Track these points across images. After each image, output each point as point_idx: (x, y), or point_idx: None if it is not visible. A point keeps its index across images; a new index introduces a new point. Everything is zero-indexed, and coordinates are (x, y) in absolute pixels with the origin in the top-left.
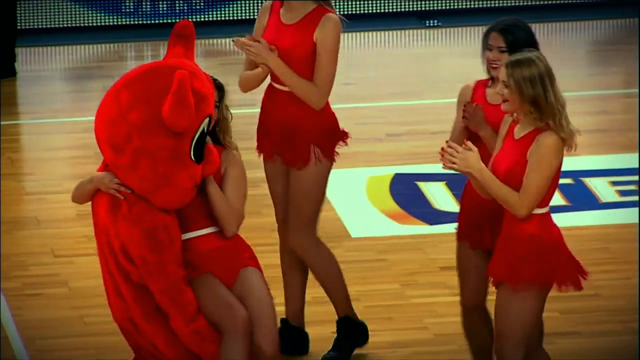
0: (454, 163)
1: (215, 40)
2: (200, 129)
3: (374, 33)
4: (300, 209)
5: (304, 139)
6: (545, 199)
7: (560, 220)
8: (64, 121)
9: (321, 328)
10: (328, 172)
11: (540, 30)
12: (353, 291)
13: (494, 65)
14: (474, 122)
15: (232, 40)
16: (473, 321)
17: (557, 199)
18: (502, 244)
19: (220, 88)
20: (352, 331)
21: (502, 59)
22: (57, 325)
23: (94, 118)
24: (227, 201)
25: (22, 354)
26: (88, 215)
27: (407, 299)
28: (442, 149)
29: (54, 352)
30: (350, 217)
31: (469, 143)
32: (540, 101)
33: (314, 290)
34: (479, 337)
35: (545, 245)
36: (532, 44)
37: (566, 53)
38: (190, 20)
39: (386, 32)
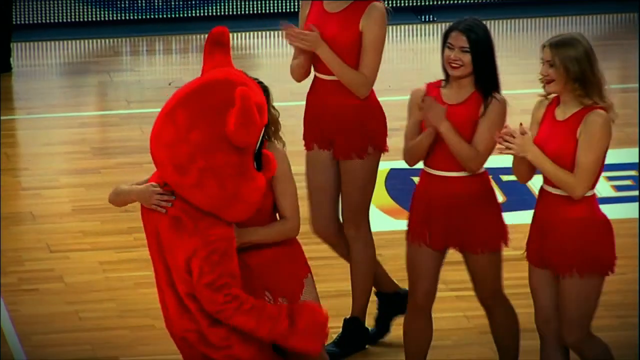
0: (509, 148)
1: None
2: (260, 139)
3: None
4: (351, 199)
5: (355, 129)
6: (593, 182)
7: None
8: (59, 116)
9: None
10: (377, 163)
11: (537, 25)
12: (349, 287)
13: (453, 65)
14: (433, 115)
15: (284, 31)
16: (419, 323)
17: None
18: (550, 233)
19: (265, 90)
20: (357, 333)
21: (463, 59)
22: (53, 320)
23: (91, 114)
24: (274, 230)
25: (17, 349)
26: (83, 210)
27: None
28: (499, 136)
29: (49, 347)
30: None
31: (524, 127)
32: (587, 77)
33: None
34: (420, 339)
35: (598, 226)
36: (490, 43)
37: None
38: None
39: None
